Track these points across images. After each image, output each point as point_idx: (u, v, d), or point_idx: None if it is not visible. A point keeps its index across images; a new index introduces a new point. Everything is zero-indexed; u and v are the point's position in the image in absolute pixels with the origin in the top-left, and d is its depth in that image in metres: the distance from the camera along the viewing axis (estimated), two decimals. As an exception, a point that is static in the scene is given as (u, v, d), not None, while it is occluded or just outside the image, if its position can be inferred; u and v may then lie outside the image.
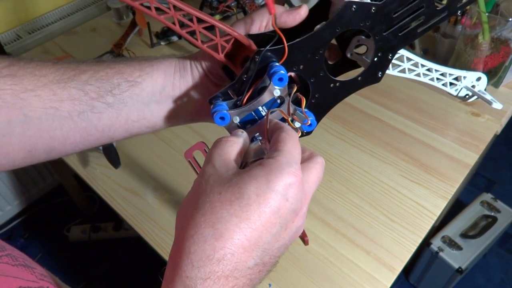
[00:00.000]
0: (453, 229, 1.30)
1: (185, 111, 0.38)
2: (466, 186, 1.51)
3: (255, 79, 0.32)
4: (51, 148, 0.35)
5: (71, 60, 0.35)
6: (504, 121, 0.85)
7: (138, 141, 0.87)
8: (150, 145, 0.86)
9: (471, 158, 0.77)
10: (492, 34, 0.77)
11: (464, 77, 0.38)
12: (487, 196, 1.40)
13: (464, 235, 1.28)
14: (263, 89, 0.32)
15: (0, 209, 1.57)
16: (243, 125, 0.33)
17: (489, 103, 0.37)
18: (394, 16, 0.32)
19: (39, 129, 0.33)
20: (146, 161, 0.83)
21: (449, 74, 0.37)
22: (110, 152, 0.80)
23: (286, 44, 0.31)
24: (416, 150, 0.78)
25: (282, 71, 0.31)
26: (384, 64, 0.35)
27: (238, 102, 0.33)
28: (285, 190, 0.25)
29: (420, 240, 0.66)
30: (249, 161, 0.30)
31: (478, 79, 0.38)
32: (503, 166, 1.75)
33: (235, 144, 0.29)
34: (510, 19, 0.75)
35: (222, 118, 0.32)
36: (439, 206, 0.70)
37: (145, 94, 0.35)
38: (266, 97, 0.32)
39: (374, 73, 0.35)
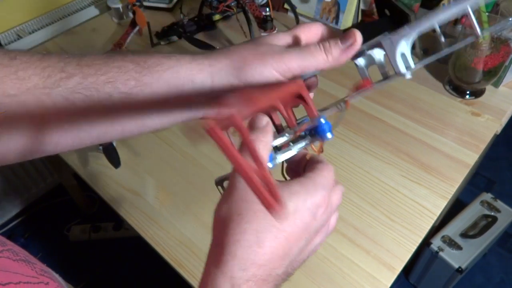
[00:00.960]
0: (453, 229, 1.30)
1: (195, 115, 0.34)
2: (466, 186, 1.51)
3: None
4: (43, 150, 0.33)
5: (62, 55, 0.31)
6: (504, 121, 0.85)
7: (138, 141, 0.87)
8: (150, 145, 0.86)
9: (471, 158, 0.77)
10: (492, 33, 0.77)
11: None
12: (487, 196, 1.40)
13: (464, 235, 1.28)
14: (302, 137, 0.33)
15: (0, 209, 1.57)
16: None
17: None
18: None
19: (28, 136, 0.30)
20: (146, 161, 0.83)
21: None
22: (110, 152, 0.80)
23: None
24: (416, 150, 0.78)
25: (330, 136, 0.32)
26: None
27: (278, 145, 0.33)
28: (315, 210, 0.28)
29: (420, 240, 0.66)
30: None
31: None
32: (503, 166, 1.75)
33: (267, 145, 0.30)
34: (510, 19, 0.75)
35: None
36: (439, 206, 0.70)
37: (144, 106, 0.32)
38: (302, 142, 0.33)
39: None
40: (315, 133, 0.32)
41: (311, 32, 0.34)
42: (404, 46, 0.32)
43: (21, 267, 0.27)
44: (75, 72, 0.30)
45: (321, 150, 0.34)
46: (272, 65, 0.31)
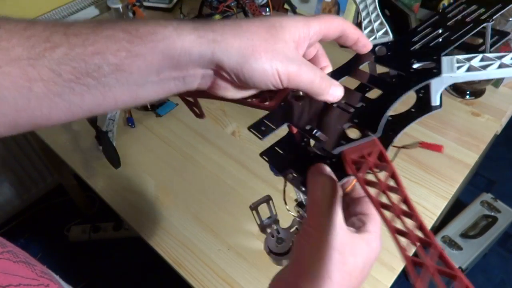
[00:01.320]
0: (453, 229, 1.30)
1: (189, 89, 0.33)
2: (466, 186, 1.51)
3: None
4: (35, 124, 0.31)
5: (48, 23, 0.29)
6: (504, 121, 0.85)
7: (138, 141, 0.87)
8: (150, 145, 0.86)
9: (471, 158, 0.77)
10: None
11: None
12: (487, 196, 1.40)
13: (464, 235, 1.28)
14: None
15: (0, 209, 1.57)
16: None
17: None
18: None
19: (16, 109, 0.29)
20: (146, 161, 0.83)
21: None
22: (110, 152, 0.80)
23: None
24: (416, 150, 0.78)
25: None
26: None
27: None
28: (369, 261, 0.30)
29: (420, 240, 0.66)
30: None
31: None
32: (503, 166, 1.75)
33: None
34: (510, 19, 0.75)
35: None
36: (439, 206, 0.70)
37: (137, 77, 0.29)
38: None
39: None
40: None
41: (331, 28, 0.33)
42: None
43: (21, 269, 0.27)
44: (61, 42, 0.28)
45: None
46: (281, 71, 0.30)
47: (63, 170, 1.41)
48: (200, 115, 0.41)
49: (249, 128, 0.34)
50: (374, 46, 0.37)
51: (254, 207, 0.44)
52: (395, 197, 0.27)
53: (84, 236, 1.53)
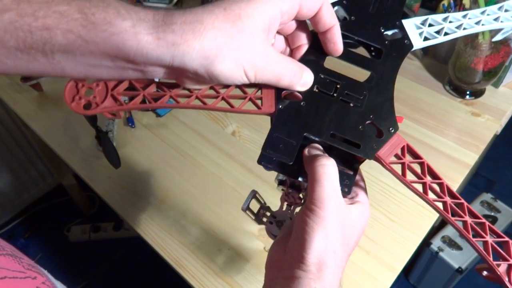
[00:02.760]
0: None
1: (151, 78, 0.31)
2: (466, 186, 1.51)
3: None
4: None
5: None
6: (504, 121, 0.85)
7: (138, 141, 0.87)
8: (150, 145, 0.86)
9: (471, 158, 0.77)
10: (492, 34, 0.77)
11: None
12: (487, 196, 1.40)
13: (464, 235, 1.28)
14: None
15: (0, 209, 1.57)
16: None
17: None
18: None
19: None
20: (146, 161, 0.83)
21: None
22: (110, 152, 0.80)
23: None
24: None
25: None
26: None
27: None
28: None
29: (420, 240, 0.66)
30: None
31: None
32: (503, 166, 1.75)
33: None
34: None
35: None
36: (439, 206, 0.70)
37: (89, 59, 0.27)
38: None
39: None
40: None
41: (306, 5, 0.30)
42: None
43: (7, 262, 0.27)
44: (11, 7, 0.25)
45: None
46: (247, 68, 0.29)
47: (63, 170, 1.41)
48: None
49: (259, 162, 0.32)
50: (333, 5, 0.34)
51: (247, 207, 0.44)
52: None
53: (84, 236, 1.53)
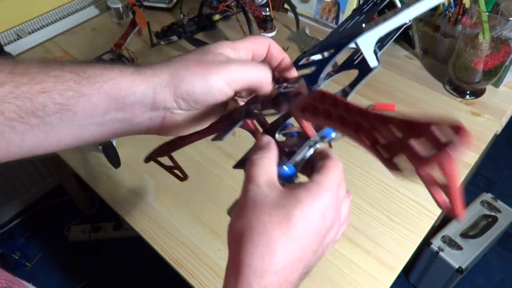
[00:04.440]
0: (453, 229, 1.30)
1: (136, 131, 0.33)
2: (466, 186, 1.51)
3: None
4: None
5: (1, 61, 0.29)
6: (504, 121, 0.85)
7: (138, 141, 0.87)
8: (150, 145, 0.86)
9: (471, 158, 0.77)
10: (492, 33, 0.77)
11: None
12: (487, 196, 1.40)
13: (464, 235, 1.28)
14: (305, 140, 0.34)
15: (0, 209, 1.57)
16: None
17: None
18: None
19: None
20: (146, 161, 0.83)
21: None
22: (110, 152, 0.80)
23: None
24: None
25: (333, 134, 0.34)
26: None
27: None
28: (324, 212, 0.29)
29: (420, 240, 0.66)
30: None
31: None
32: (503, 166, 1.75)
33: (273, 161, 0.31)
34: (511, 19, 0.75)
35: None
36: (439, 206, 0.70)
37: (81, 117, 0.29)
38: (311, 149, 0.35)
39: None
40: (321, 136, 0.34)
41: (257, 45, 0.34)
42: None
43: None
44: (6, 81, 0.27)
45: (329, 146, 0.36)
46: (217, 73, 0.31)
47: (63, 170, 1.41)
48: (183, 177, 0.41)
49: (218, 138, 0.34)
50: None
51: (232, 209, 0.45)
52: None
53: (84, 236, 1.53)
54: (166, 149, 0.40)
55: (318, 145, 0.34)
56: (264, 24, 1.03)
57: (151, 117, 0.32)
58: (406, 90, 0.91)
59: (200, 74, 0.30)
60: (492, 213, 1.35)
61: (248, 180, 0.31)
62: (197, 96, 0.31)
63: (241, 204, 0.30)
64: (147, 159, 0.46)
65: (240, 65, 0.32)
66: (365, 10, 0.41)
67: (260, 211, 0.29)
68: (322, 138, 0.34)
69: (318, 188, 0.30)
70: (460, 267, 1.21)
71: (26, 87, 0.27)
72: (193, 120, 0.34)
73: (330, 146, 0.36)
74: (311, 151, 0.34)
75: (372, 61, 0.34)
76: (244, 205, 0.30)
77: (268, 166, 0.31)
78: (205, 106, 0.32)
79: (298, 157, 0.33)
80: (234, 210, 0.31)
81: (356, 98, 0.89)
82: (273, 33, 1.06)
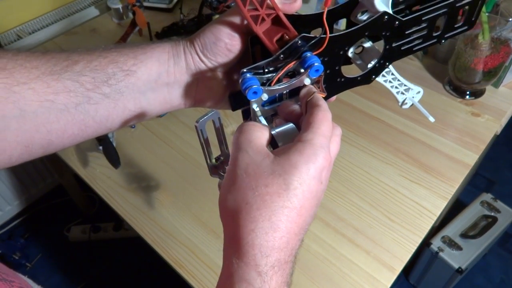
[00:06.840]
0: (453, 229, 1.29)
1: (180, 98, 0.37)
2: (466, 186, 1.51)
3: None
4: (49, 142, 0.33)
5: (61, 50, 0.34)
6: (504, 121, 0.85)
7: (138, 141, 0.87)
8: (150, 145, 0.86)
9: (471, 158, 0.77)
10: (492, 34, 0.77)
11: (410, 89, 0.45)
12: (487, 196, 1.39)
13: (464, 235, 1.28)
14: (293, 75, 0.34)
15: (0, 209, 1.57)
16: (268, 103, 0.34)
17: (426, 115, 0.48)
18: (406, 33, 0.37)
19: (35, 123, 0.31)
20: (146, 161, 0.83)
21: (404, 84, 0.44)
22: (110, 152, 0.80)
23: (328, 36, 0.32)
24: (416, 150, 0.78)
25: (317, 63, 0.32)
26: (380, 69, 0.39)
27: (266, 81, 0.33)
28: (320, 175, 0.28)
29: (420, 240, 0.66)
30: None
31: (418, 92, 0.46)
32: (503, 166, 1.75)
33: (263, 129, 0.30)
34: (510, 19, 0.75)
35: (255, 93, 0.31)
36: (439, 206, 0.70)
37: (141, 83, 0.34)
38: (296, 82, 0.33)
39: (370, 75, 0.39)
40: (303, 64, 0.32)
41: None
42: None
43: None
44: (79, 59, 0.33)
45: (322, 90, 0.34)
46: (218, 21, 0.34)
47: (63, 170, 1.41)
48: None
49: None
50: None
51: (212, 168, 0.45)
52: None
53: (84, 236, 1.53)
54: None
55: (304, 79, 0.32)
56: (264, 25, 1.03)
57: (188, 80, 0.36)
58: (406, 90, 0.91)
59: (207, 28, 0.34)
60: (492, 214, 1.35)
61: (236, 149, 0.29)
62: (209, 46, 0.34)
63: (232, 176, 0.28)
64: None
65: (235, 8, 0.33)
66: None
67: (255, 182, 0.27)
68: (306, 69, 0.32)
69: (311, 148, 0.27)
70: (460, 267, 1.21)
71: (97, 61, 0.33)
72: (223, 79, 0.36)
73: (323, 90, 0.34)
74: (293, 81, 0.32)
75: None
76: (235, 177, 0.28)
77: (256, 132, 0.29)
78: (223, 56, 0.34)
79: (275, 77, 0.32)
80: (224, 182, 0.29)
81: (356, 98, 0.89)
82: (273, 34, 1.06)
